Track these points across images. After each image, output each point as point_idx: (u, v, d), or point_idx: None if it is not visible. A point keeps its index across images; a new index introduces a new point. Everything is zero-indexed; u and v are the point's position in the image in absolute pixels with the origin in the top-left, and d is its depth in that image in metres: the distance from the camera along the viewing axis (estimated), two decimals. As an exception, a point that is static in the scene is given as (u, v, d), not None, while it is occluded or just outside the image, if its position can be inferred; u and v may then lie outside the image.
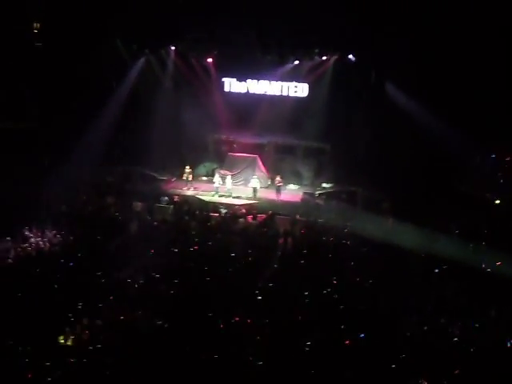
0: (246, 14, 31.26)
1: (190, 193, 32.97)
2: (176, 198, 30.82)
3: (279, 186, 32.89)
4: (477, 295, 18.67)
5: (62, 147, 30.84)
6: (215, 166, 35.93)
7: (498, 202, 29.72)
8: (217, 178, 33.37)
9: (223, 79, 36.93)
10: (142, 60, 36.05)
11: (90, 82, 32.49)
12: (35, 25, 35.03)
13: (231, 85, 37.03)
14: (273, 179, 34.30)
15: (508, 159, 30.73)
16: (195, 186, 33.95)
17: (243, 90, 36.75)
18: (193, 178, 34.16)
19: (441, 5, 28.95)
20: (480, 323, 16.99)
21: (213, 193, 32.76)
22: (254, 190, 32.66)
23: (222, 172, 34.48)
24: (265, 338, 15.75)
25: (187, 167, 33.90)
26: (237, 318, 16.75)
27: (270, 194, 33.35)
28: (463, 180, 30.76)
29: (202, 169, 35.86)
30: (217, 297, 18.11)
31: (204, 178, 35.26)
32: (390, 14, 29.70)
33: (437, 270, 20.83)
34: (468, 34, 28.71)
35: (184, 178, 33.79)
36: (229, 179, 33.25)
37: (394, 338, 16.01)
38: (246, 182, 33.99)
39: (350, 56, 33.98)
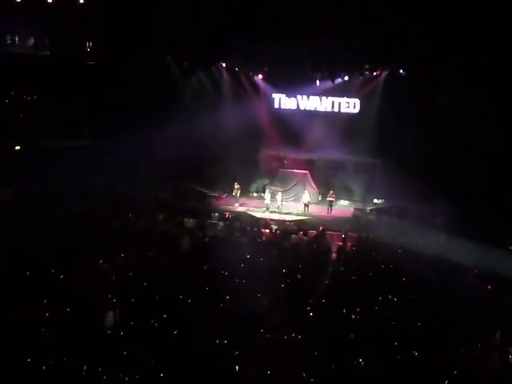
0: (296, 30, 31.41)
1: (240, 209, 33.12)
2: (227, 214, 30.98)
3: (331, 202, 32.85)
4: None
5: (115, 164, 31.27)
6: (266, 182, 36.08)
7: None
8: (267, 195, 33.48)
9: (273, 95, 37.12)
10: (194, 77, 36.42)
11: (141, 100, 32.99)
12: (88, 43, 35.80)
13: (281, 101, 37.18)
14: (324, 195, 34.27)
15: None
16: (244, 202, 34.10)
17: (293, 107, 36.84)
18: (241, 194, 34.32)
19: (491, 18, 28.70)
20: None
21: (264, 209, 32.87)
22: (306, 205, 32.65)
23: (273, 188, 34.59)
24: (318, 354, 15.67)
25: (236, 183, 34.06)
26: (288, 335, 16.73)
27: (321, 210, 33.35)
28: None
29: (253, 185, 35.97)
30: (268, 313, 18.09)
31: (255, 195, 35.35)
32: (439, 28, 29.51)
33: (489, 287, 20.48)
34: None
35: (233, 194, 33.98)
36: (279, 195, 33.29)
37: (447, 355, 15.75)
38: (297, 197, 34.04)
39: (401, 71, 33.84)
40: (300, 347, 16.10)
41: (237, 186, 34.12)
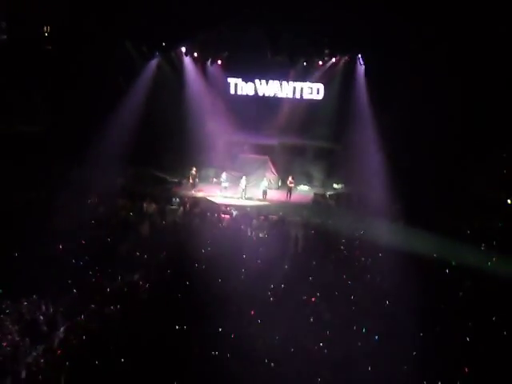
0: (255, 15, 31.32)
1: (200, 194, 33.02)
2: (187, 200, 30.87)
3: (290, 187, 32.95)
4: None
5: (73, 150, 30.88)
6: (225, 167, 35.98)
7: (509, 201, 29.54)
8: (224, 179, 33.40)
9: (228, 80, 36.83)
10: (153, 62, 36.04)
11: (100, 85, 32.57)
12: (45, 28, 35.21)
13: (238, 86, 36.88)
14: (284, 180, 34.36)
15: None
16: (200, 188, 34.02)
17: (251, 92, 36.70)
18: (198, 179, 34.23)
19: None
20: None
21: (220, 194, 32.81)
22: (264, 191, 32.69)
23: (234, 173, 34.54)
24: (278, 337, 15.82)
25: (193, 169, 33.96)
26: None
27: (281, 196, 33.43)
28: (475, 182, 30.57)
29: (211, 171, 35.76)
30: (229, 298, 18.16)
31: (214, 180, 35.14)
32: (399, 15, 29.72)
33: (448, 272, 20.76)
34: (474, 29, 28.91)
35: (190, 179, 33.87)
36: (243, 180, 33.25)
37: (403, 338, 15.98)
38: (257, 183, 33.97)
39: (360, 56, 33.95)
40: (261, 331, 16.22)
41: (194, 171, 34.01)
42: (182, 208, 29.37)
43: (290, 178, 33.13)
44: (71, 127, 31.85)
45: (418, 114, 30.36)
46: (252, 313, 17.15)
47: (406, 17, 29.41)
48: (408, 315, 16.74)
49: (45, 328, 16.69)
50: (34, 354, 15.57)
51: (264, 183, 32.97)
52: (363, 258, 22.18)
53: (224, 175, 33.69)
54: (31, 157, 30.04)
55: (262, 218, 27.64)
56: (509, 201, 29.44)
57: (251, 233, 25.86)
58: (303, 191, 34.65)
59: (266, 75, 36.11)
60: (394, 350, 15.08)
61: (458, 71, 29.71)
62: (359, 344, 15.78)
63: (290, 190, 33.12)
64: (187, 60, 36.32)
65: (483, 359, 15.14)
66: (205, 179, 35.15)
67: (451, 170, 30.29)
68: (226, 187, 33.11)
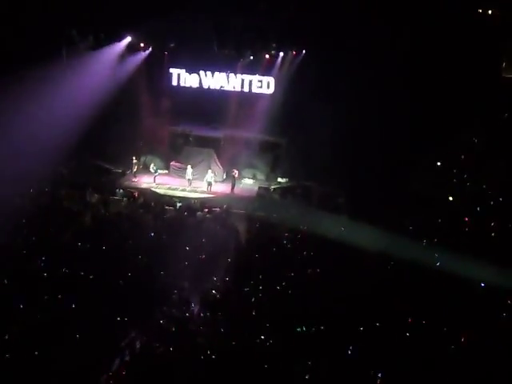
0: (203, 6, 31.18)
1: (145, 185, 32.86)
2: (131, 191, 30.68)
3: (234, 180, 33.00)
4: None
5: (11, 139, 30.19)
6: (170, 158, 35.89)
7: (451, 198, 30.05)
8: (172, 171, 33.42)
9: (171, 70, 36.48)
10: (99, 50, 35.53)
11: (45, 75, 31.92)
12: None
13: (181, 77, 36.47)
14: (228, 173, 34.39)
15: (463, 157, 31.10)
16: (139, 177, 34.01)
17: (195, 84, 36.40)
18: (138, 169, 34.06)
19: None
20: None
21: (168, 186, 32.86)
22: (209, 184, 32.68)
23: (178, 165, 34.51)
24: (220, 333, 15.84)
25: (134, 158, 33.79)
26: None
27: (226, 189, 33.48)
28: (417, 178, 31.02)
29: (156, 162, 35.45)
30: (172, 291, 18.15)
31: (159, 171, 34.87)
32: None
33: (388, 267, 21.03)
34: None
35: (132, 169, 33.72)
36: (189, 170, 33.22)
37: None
38: (202, 175, 33.90)
39: (305, 51, 34.14)
40: (202, 324, 16.24)
41: (135, 160, 33.86)
42: (125, 199, 29.17)
43: (234, 171, 33.20)
44: (8, 115, 31.09)
45: (363, 109, 30.72)
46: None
47: (353, 12, 29.69)
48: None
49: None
50: None
51: (209, 175, 32.94)
52: (305, 252, 22.32)
53: (171, 168, 33.79)
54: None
55: (206, 210, 27.62)
56: (450, 198, 29.96)
57: (195, 224, 25.80)
58: (248, 184, 34.73)
59: (212, 67, 35.91)
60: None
61: (403, 67, 30.10)
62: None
63: (233, 183, 33.16)
64: (132, 49, 35.91)
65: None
66: (147, 169, 34.86)
67: (395, 165, 30.64)
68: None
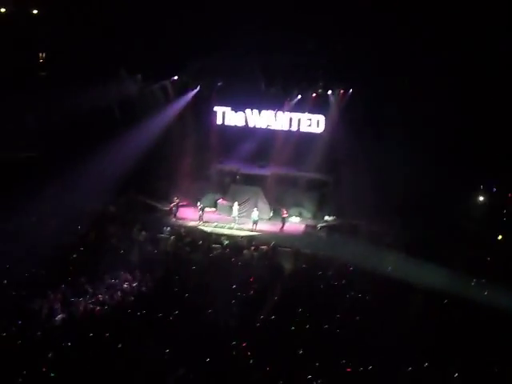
0: (250, 46, 31.54)
1: (192, 224, 32.92)
2: (178, 229, 30.79)
3: (284, 218, 32.94)
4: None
5: (64, 177, 30.73)
6: (217, 196, 35.98)
7: (500, 237, 29.66)
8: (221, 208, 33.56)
9: (215, 109, 37.03)
10: (147, 90, 36.17)
11: (94, 112, 32.59)
12: (41, 54, 35.28)
13: (225, 115, 36.99)
14: (275, 211, 34.33)
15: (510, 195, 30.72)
16: (181, 215, 34.16)
17: (240, 123, 36.83)
18: (178, 208, 34.12)
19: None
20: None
21: (215, 223, 32.88)
22: (255, 221, 32.60)
23: (225, 203, 34.62)
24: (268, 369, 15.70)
25: (175, 197, 33.96)
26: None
27: (272, 226, 33.35)
28: (466, 216, 30.68)
29: (204, 200, 35.60)
30: (219, 328, 18.07)
31: (207, 209, 34.98)
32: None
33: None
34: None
35: (172, 207, 33.81)
36: (235, 207, 33.31)
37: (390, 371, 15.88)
38: (249, 213, 33.88)
39: (352, 90, 34.21)
40: (250, 361, 16.07)
41: (176, 199, 33.97)
42: (173, 237, 29.23)
43: (283, 210, 33.16)
44: (64, 154, 31.71)
45: (413, 147, 30.55)
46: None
47: (401, 48, 29.75)
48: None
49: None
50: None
51: (255, 213, 32.87)
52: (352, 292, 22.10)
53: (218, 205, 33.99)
54: (23, 182, 29.82)
55: (253, 247, 27.54)
56: (500, 237, 29.61)
57: (242, 263, 25.72)
58: (294, 222, 34.59)
59: (260, 106, 36.27)
60: None
61: (447, 109, 29.95)
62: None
63: (283, 221, 33.10)
64: (181, 89, 36.46)
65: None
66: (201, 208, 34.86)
67: (442, 204, 30.32)
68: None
